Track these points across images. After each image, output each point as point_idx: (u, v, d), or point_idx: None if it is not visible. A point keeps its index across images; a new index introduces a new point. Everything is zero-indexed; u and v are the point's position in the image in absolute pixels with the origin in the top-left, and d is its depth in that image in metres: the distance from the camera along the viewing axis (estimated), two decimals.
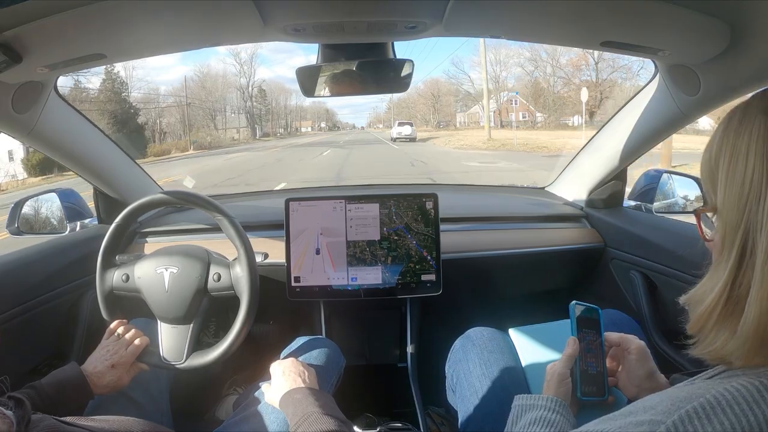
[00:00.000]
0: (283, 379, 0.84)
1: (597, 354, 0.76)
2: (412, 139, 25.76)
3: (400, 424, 1.08)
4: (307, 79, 0.96)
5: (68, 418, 0.62)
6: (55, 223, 1.36)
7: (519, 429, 0.67)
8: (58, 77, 0.98)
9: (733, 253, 0.42)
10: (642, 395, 0.73)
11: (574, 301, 0.79)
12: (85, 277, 1.19)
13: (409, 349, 1.32)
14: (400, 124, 28.50)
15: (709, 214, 0.47)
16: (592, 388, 0.74)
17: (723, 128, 0.46)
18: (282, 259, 1.23)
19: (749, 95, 0.47)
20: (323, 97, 1.00)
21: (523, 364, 0.91)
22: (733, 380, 0.40)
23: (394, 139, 26.28)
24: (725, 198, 0.44)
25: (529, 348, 0.92)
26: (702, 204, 1.29)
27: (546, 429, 0.64)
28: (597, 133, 1.39)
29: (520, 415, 0.69)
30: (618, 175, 1.37)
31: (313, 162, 15.87)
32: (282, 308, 1.41)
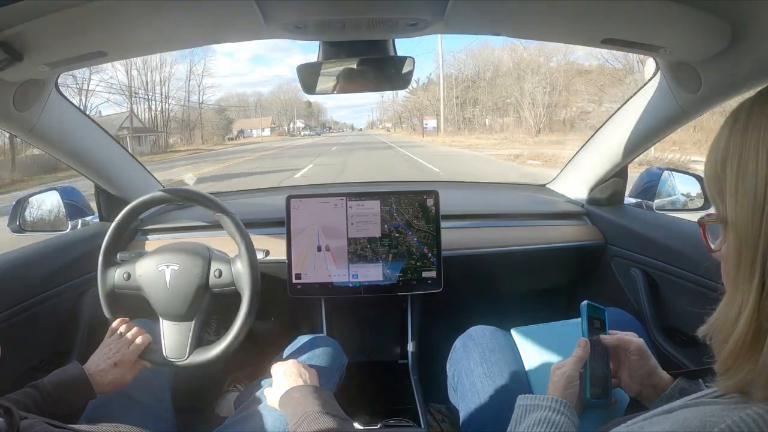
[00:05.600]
0: (284, 380, 0.84)
1: (603, 355, 0.76)
2: None
3: (401, 421, 1.08)
4: (309, 76, 0.96)
5: (61, 423, 0.62)
6: (56, 220, 1.36)
7: (523, 429, 0.67)
8: (59, 75, 0.98)
9: (755, 276, 0.37)
10: (644, 393, 0.73)
11: (586, 301, 0.77)
12: (87, 275, 1.19)
13: (410, 346, 1.33)
14: None
15: (719, 226, 0.43)
16: (598, 390, 0.74)
17: (728, 130, 0.42)
18: (283, 256, 1.24)
19: (752, 93, 0.43)
20: (325, 94, 1.00)
21: (526, 364, 0.91)
22: (747, 407, 0.37)
23: None
24: (737, 209, 0.39)
25: (532, 348, 0.92)
26: (703, 203, 1.29)
27: (550, 430, 0.64)
28: (598, 130, 1.39)
29: (524, 415, 0.69)
30: (619, 173, 1.37)
31: None
32: (283, 305, 1.41)
